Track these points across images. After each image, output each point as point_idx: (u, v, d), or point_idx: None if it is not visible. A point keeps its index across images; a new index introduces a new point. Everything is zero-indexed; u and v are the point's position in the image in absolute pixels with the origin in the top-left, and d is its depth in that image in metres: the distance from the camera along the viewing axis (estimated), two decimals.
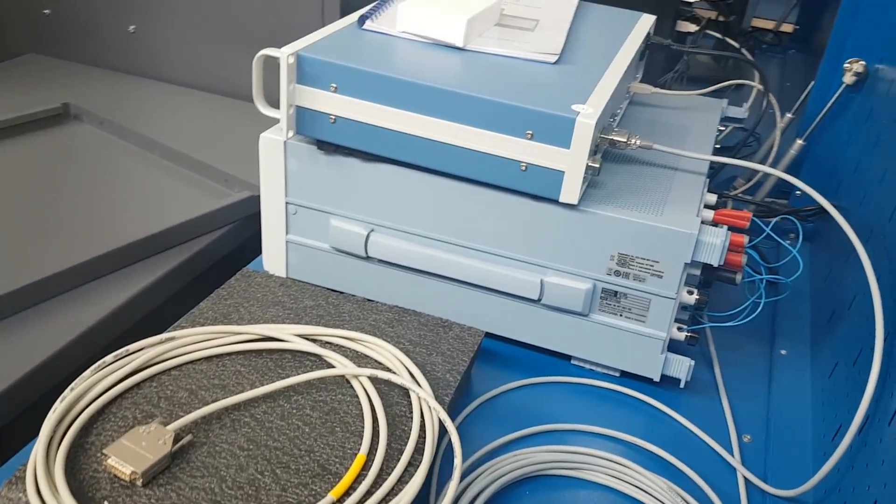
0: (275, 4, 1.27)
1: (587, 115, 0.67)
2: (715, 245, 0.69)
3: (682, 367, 0.76)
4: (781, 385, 0.80)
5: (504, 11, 0.88)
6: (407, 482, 0.57)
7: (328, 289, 0.83)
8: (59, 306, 0.85)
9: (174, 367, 0.66)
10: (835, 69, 1.02)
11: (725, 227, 0.72)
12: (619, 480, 0.67)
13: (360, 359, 0.69)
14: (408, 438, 0.61)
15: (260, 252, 0.89)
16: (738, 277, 0.74)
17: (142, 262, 0.93)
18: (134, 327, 0.88)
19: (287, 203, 0.82)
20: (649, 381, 0.78)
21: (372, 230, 0.79)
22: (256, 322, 0.73)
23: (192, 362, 0.67)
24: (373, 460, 0.59)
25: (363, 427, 0.61)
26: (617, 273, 0.73)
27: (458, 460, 0.58)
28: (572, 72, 0.76)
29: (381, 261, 0.81)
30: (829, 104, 1.02)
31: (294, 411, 0.63)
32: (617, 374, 0.79)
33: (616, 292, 0.74)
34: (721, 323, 0.84)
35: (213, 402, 0.62)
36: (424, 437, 0.61)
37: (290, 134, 0.76)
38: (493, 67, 0.74)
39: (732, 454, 0.72)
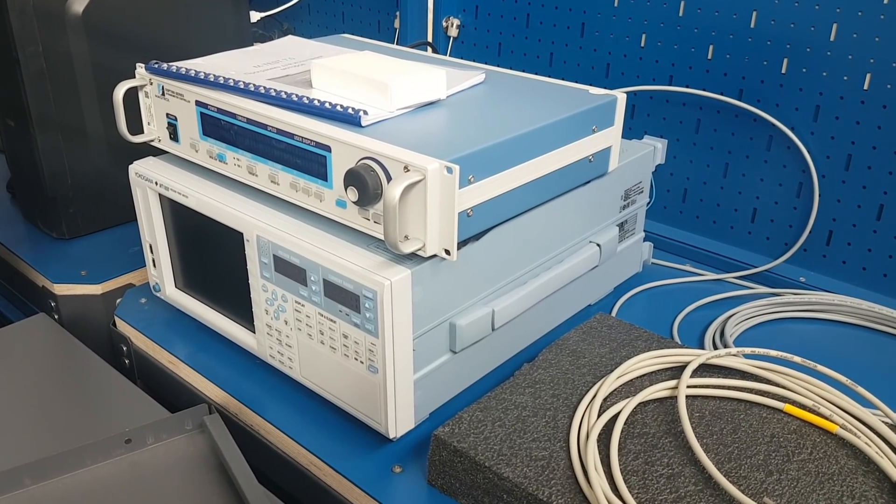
0: None
1: (613, 93, 0.80)
2: (662, 148, 0.94)
3: (649, 249, 1.01)
4: None
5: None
6: None
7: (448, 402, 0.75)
8: None
9: None
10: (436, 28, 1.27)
11: None
12: None
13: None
14: None
15: None
16: None
17: None
18: None
19: (414, 340, 0.69)
20: None
21: (493, 304, 0.75)
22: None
23: None
24: None
25: None
26: (624, 207, 0.91)
27: None
28: (507, 78, 0.84)
29: (497, 327, 0.77)
30: (447, 54, 1.28)
31: None
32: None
33: (624, 222, 0.92)
34: None
35: None
36: None
37: (452, 254, 0.65)
38: (501, 98, 0.78)
39: None
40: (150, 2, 1.04)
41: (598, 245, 0.87)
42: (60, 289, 0.99)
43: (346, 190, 0.66)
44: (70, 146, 1.03)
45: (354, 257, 0.67)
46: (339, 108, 0.70)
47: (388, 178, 0.64)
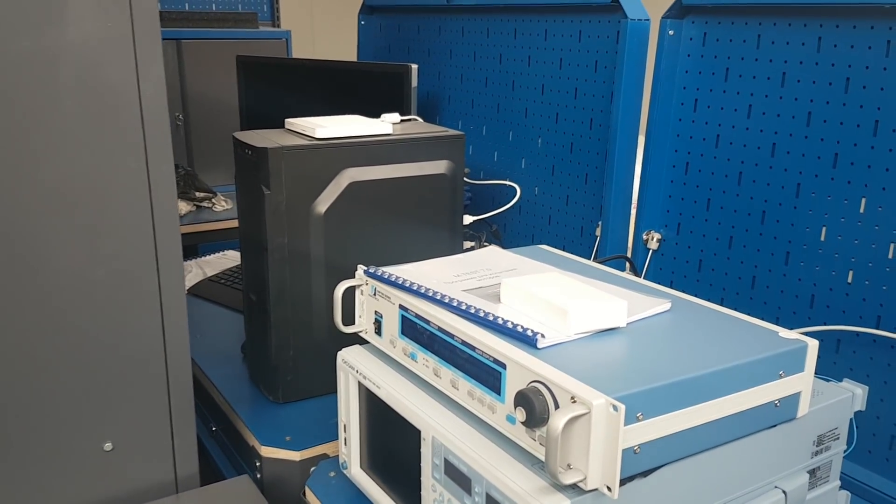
0: None
1: (804, 339, 0.78)
2: (862, 395, 0.88)
3: (846, 499, 0.92)
4: None
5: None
6: None
7: None
8: None
9: None
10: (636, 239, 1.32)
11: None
12: None
13: None
14: None
15: None
16: None
17: None
18: None
19: None
20: None
21: None
22: None
23: None
24: None
25: None
26: (816, 453, 0.85)
27: None
28: (694, 309, 0.85)
29: None
30: (645, 266, 1.31)
31: None
32: None
33: (816, 469, 0.86)
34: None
35: None
36: None
37: (614, 493, 0.65)
38: (684, 331, 0.79)
39: None
40: (379, 209, 1.19)
41: (784, 492, 0.82)
42: (266, 451, 1.10)
43: (515, 408, 0.70)
44: (297, 323, 1.18)
45: (517, 476, 0.69)
46: (519, 328, 0.75)
47: (556, 405, 0.67)
